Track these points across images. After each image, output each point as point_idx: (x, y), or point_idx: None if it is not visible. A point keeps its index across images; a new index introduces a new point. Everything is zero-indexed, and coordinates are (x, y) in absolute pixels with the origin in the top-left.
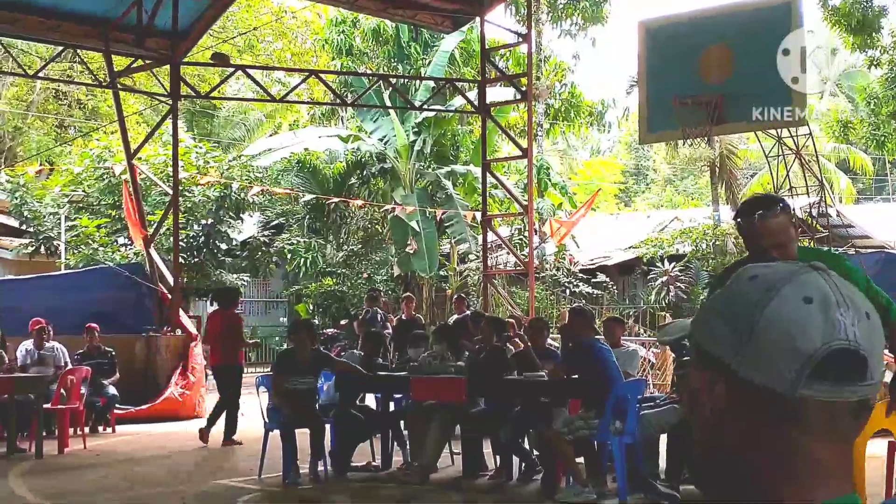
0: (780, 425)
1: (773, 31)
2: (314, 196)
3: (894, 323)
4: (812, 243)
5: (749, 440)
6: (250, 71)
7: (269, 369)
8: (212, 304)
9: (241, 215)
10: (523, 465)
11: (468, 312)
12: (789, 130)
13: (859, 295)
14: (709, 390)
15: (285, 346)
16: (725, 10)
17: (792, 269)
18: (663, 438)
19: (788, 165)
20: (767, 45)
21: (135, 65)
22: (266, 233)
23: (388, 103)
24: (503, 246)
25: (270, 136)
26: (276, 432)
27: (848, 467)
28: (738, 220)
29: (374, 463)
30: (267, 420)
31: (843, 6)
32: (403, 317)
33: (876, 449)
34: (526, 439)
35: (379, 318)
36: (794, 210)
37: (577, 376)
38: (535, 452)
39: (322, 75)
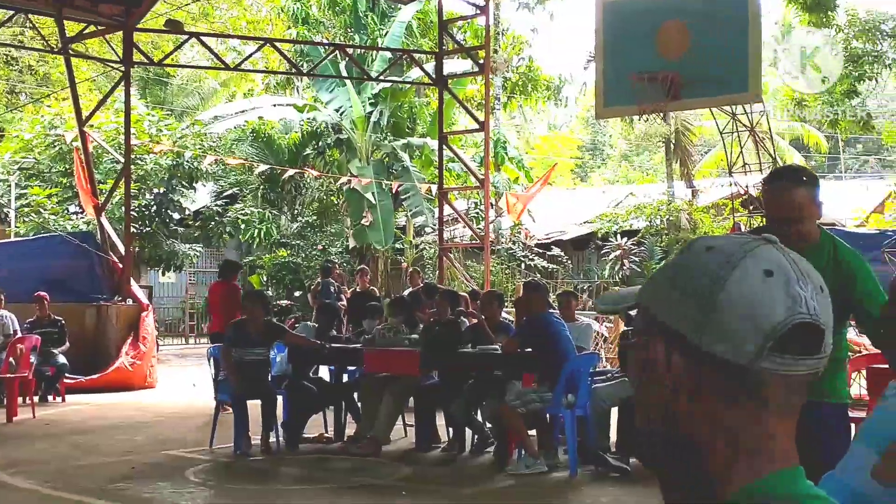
0: (739, 399)
1: (730, 8)
2: (269, 166)
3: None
4: (762, 220)
5: (705, 414)
6: (205, 38)
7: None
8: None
9: (194, 185)
10: (476, 437)
11: (421, 286)
12: (744, 108)
13: (813, 269)
14: (666, 363)
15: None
16: None
17: (746, 241)
18: (614, 412)
19: (742, 142)
20: (724, 22)
21: (87, 31)
22: (219, 203)
23: (345, 74)
24: (459, 219)
25: (225, 104)
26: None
27: (792, 438)
28: (764, 186)
29: (326, 435)
30: (218, 391)
31: None
32: (358, 289)
33: None
34: (479, 412)
35: (333, 290)
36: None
37: (530, 350)
38: (488, 425)
39: (277, 44)
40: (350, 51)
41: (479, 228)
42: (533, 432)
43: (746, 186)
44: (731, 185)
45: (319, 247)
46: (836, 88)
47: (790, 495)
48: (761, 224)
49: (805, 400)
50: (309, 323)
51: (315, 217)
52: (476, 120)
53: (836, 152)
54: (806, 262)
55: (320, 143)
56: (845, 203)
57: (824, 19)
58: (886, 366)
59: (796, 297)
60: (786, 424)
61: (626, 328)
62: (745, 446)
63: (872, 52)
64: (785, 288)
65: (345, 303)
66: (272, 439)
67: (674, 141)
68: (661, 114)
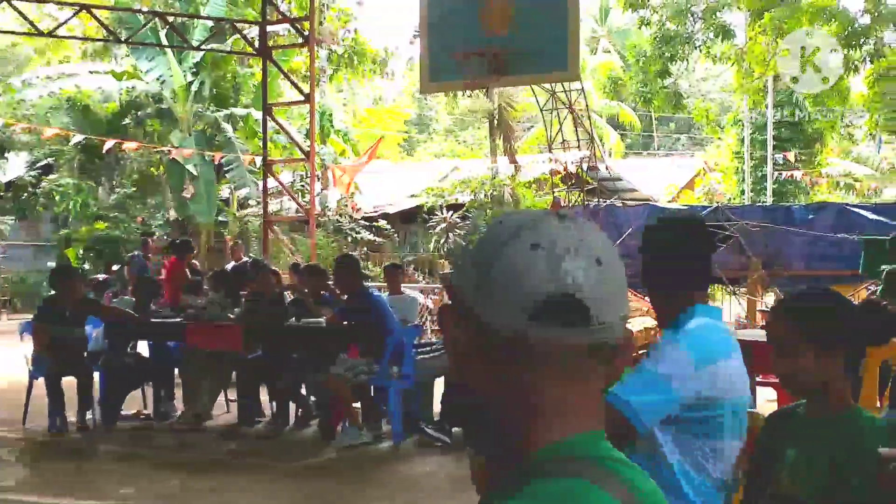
0: (512, 365)
1: None
2: (85, 136)
3: None
4: (582, 195)
5: (493, 379)
6: (17, 3)
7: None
8: None
9: (5, 154)
10: (300, 411)
11: (246, 259)
12: (563, 86)
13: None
14: (454, 330)
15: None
16: None
17: (536, 216)
18: (439, 383)
19: (562, 120)
20: (545, 1)
21: None
22: (33, 173)
23: (165, 42)
24: (284, 192)
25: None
26: (42, 380)
27: (594, 405)
28: None
29: (145, 411)
30: (31, 368)
31: None
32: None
33: None
34: (304, 386)
35: (149, 265)
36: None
37: (354, 323)
38: (312, 399)
39: (94, 10)
40: (171, 19)
41: (304, 201)
42: (358, 405)
43: (565, 162)
44: (551, 160)
45: (139, 219)
46: (651, 68)
47: (589, 457)
48: (580, 198)
49: (604, 367)
50: (126, 297)
51: (135, 189)
52: (301, 92)
53: (649, 130)
54: (588, 234)
55: (140, 114)
56: (659, 180)
57: (640, 1)
58: None
59: (557, 270)
60: (580, 389)
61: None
62: (538, 409)
63: (684, 33)
64: (548, 260)
65: (163, 276)
66: (88, 417)
67: (497, 117)
68: (485, 90)
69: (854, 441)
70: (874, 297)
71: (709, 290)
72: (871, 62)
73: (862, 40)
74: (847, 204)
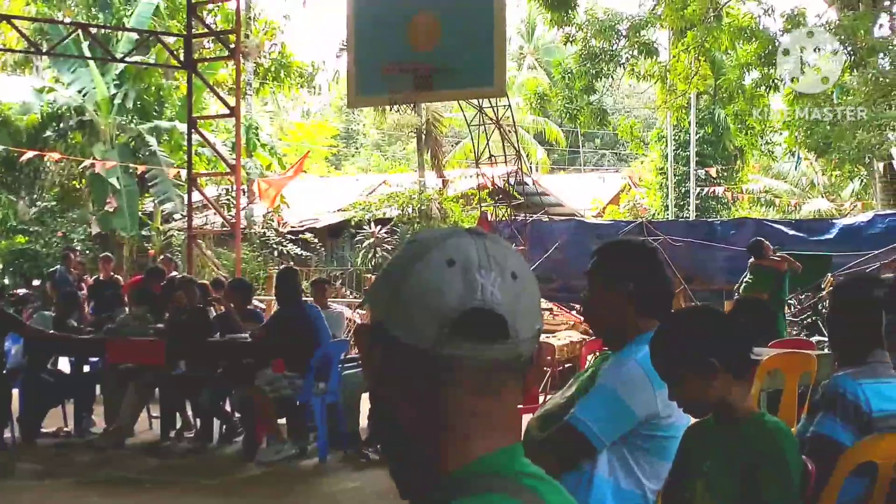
0: (428, 382)
1: (478, 3)
2: (4, 148)
3: None
4: (509, 210)
5: (406, 398)
6: None
7: None
8: None
9: None
10: (224, 427)
11: (175, 275)
12: (490, 101)
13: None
14: (369, 349)
15: None
16: None
17: (447, 233)
18: (365, 398)
19: (489, 135)
20: (472, 16)
21: None
22: None
23: (88, 54)
24: (210, 205)
25: None
26: None
27: (511, 420)
28: None
29: (65, 428)
30: None
31: None
32: (101, 277)
33: None
34: (227, 401)
35: (71, 279)
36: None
37: (282, 338)
38: (237, 415)
39: (15, 21)
40: (94, 30)
41: (230, 215)
42: (283, 420)
43: (493, 177)
44: (478, 175)
45: (60, 233)
46: (576, 85)
47: (508, 473)
48: (507, 213)
49: (517, 381)
50: (46, 312)
51: (55, 202)
52: (227, 105)
53: (576, 146)
54: (501, 249)
55: (61, 126)
56: (584, 195)
57: (565, 17)
58: None
59: (473, 285)
60: (497, 403)
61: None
62: (457, 426)
63: (609, 50)
64: (463, 276)
65: (85, 291)
66: (7, 435)
67: (425, 131)
68: (413, 104)
69: (762, 447)
70: (750, 296)
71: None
72: (791, 81)
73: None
74: (766, 220)
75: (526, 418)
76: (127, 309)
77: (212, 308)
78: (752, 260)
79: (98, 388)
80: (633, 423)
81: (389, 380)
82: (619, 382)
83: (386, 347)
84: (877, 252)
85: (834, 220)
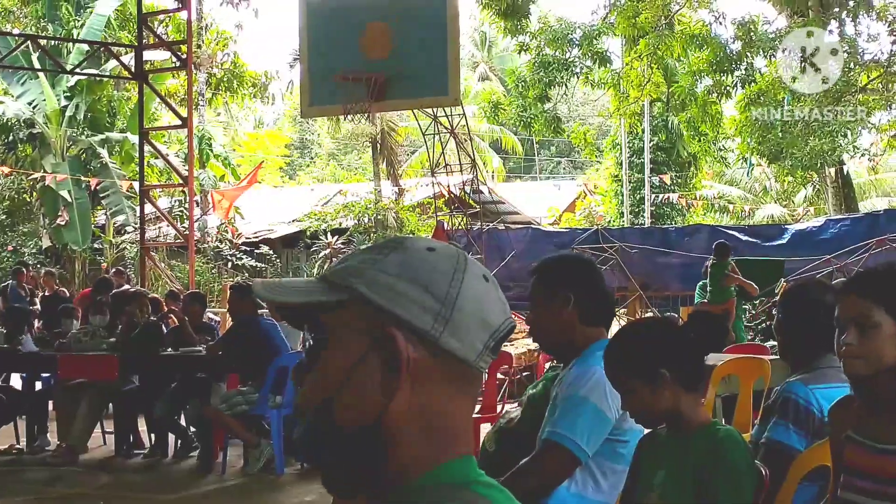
0: (461, 391)
1: (431, 12)
2: None
3: None
4: (466, 219)
5: (421, 405)
6: None
7: None
8: None
9: None
10: (179, 442)
11: (127, 287)
12: (444, 110)
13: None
14: (405, 354)
15: None
16: None
17: (458, 248)
18: None
19: (444, 144)
20: (425, 25)
21: None
22: None
23: (38, 66)
24: (163, 217)
25: None
26: None
27: (471, 428)
28: None
29: (17, 445)
30: None
31: None
32: (47, 293)
33: None
34: (182, 416)
35: (24, 294)
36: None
37: (237, 350)
38: (192, 429)
39: None
40: (43, 42)
41: (183, 227)
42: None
43: (448, 186)
44: (434, 184)
45: (10, 247)
46: (530, 93)
47: (466, 482)
48: (463, 221)
49: None
50: None
51: (6, 216)
52: (179, 116)
53: (531, 154)
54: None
55: (11, 138)
56: (541, 203)
57: (518, 26)
58: None
59: (505, 302)
60: (469, 411)
61: None
62: (445, 434)
63: (562, 59)
64: (497, 293)
65: (38, 307)
66: None
67: (380, 141)
68: (367, 114)
69: (714, 456)
70: (701, 307)
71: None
72: (743, 87)
73: (733, 66)
74: (720, 226)
75: (486, 427)
76: (78, 323)
77: (167, 321)
78: (710, 262)
79: (50, 404)
80: (610, 428)
81: (411, 384)
82: (590, 390)
83: (430, 357)
84: (829, 256)
85: (787, 226)
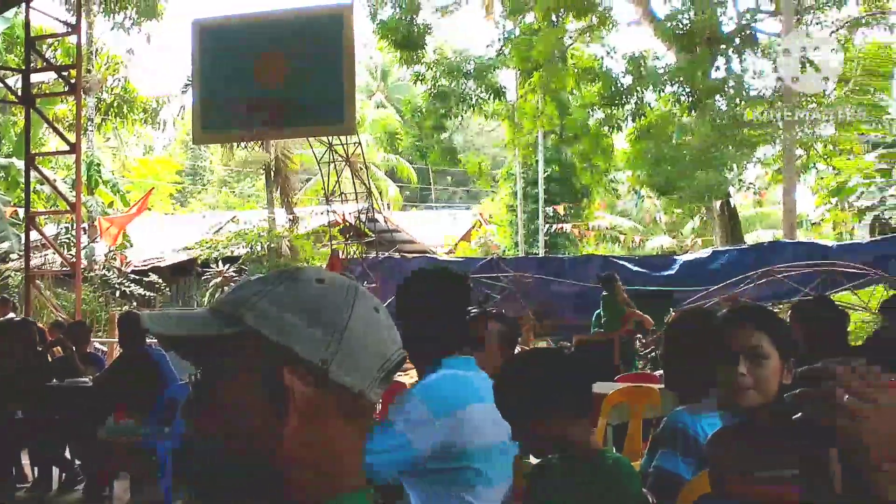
0: (349, 423)
1: (327, 41)
2: None
3: None
4: (360, 248)
5: (311, 437)
6: None
7: None
8: None
9: None
10: (64, 475)
11: (12, 316)
12: (340, 138)
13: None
14: (292, 387)
15: None
16: (280, 17)
17: (347, 279)
18: None
19: (339, 172)
20: (321, 54)
21: None
22: None
23: None
24: (49, 245)
25: None
26: None
27: (361, 460)
28: None
29: None
30: None
31: (392, 21)
32: None
33: None
34: (67, 448)
35: None
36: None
37: (125, 381)
38: (77, 462)
39: None
40: None
41: (70, 255)
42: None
43: (344, 214)
44: (329, 213)
45: None
46: (426, 123)
47: None
48: (358, 250)
49: None
50: None
51: None
52: (67, 141)
53: (427, 183)
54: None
55: None
56: (437, 232)
57: (415, 56)
58: None
59: (393, 332)
60: (360, 443)
61: None
62: (339, 465)
63: (457, 90)
64: (387, 323)
65: None
66: None
67: (274, 168)
68: (262, 141)
69: (605, 484)
70: (590, 338)
71: (464, 346)
72: (633, 121)
73: (624, 100)
74: (612, 256)
75: None
76: None
77: (52, 351)
78: (604, 293)
79: None
80: (416, 455)
81: (299, 418)
82: (401, 418)
83: (319, 389)
84: (715, 287)
85: (675, 256)
